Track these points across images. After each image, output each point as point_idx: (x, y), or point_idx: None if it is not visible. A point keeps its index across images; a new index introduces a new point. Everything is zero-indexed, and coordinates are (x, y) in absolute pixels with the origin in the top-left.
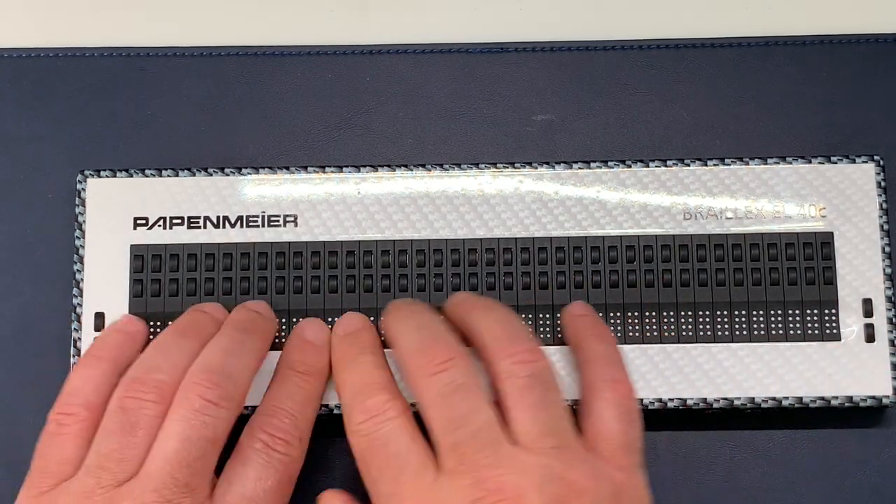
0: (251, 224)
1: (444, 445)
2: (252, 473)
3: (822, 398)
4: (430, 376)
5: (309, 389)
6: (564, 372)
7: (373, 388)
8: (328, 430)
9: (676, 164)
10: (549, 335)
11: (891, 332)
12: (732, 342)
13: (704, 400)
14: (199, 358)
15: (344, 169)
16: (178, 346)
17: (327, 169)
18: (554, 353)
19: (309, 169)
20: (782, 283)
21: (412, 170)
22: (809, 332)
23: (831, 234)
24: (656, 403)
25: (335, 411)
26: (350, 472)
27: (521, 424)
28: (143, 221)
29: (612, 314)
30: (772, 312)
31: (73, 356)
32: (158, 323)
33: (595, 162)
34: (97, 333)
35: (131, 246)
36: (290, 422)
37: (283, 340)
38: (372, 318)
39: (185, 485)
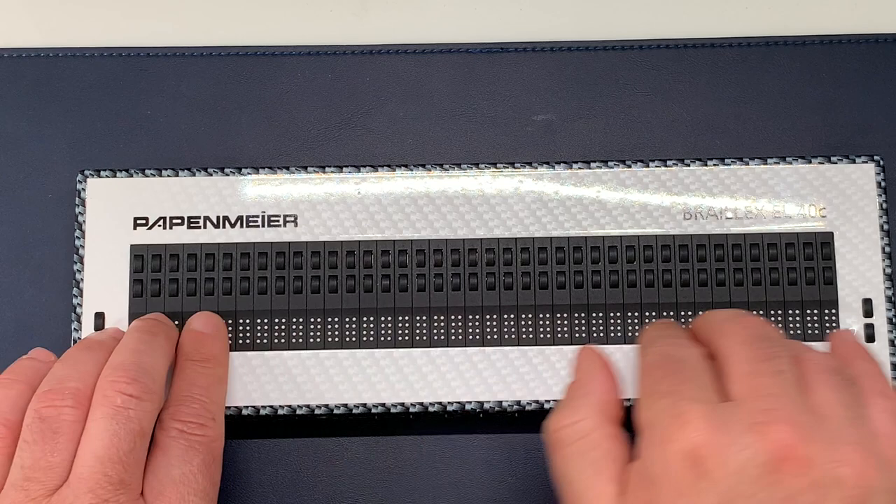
0: (251, 224)
1: (740, 373)
2: (176, 459)
3: None
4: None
5: (210, 374)
6: (565, 372)
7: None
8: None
9: (676, 164)
10: (549, 335)
11: (891, 332)
12: None
13: None
14: (110, 360)
15: (344, 169)
16: (85, 356)
17: (327, 169)
18: (554, 354)
19: (309, 169)
20: (782, 283)
21: (412, 170)
22: (809, 332)
23: (831, 234)
24: None
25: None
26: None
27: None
28: (143, 221)
29: (612, 314)
30: (772, 312)
31: None
32: None
33: (595, 162)
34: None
35: (131, 246)
36: (200, 405)
37: (282, 341)
38: (372, 319)
39: (120, 481)
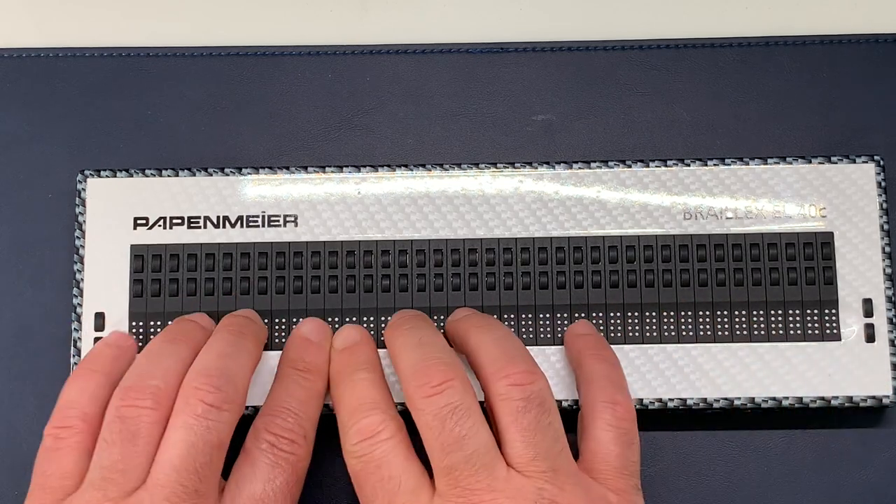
0: (251, 224)
1: (439, 468)
2: (260, 474)
3: (822, 398)
4: (427, 398)
5: (310, 387)
6: (565, 372)
7: (367, 408)
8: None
9: (676, 164)
10: (549, 335)
11: (891, 332)
12: (732, 342)
13: (704, 400)
14: (195, 363)
15: (344, 169)
16: (168, 352)
17: (327, 169)
18: (554, 353)
19: (309, 169)
20: (782, 283)
21: (412, 170)
22: (809, 332)
23: (831, 234)
24: (656, 403)
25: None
26: None
27: (515, 447)
28: (143, 221)
29: (612, 314)
30: (772, 312)
31: (74, 356)
32: (158, 323)
33: (595, 162)
34: (97, 333)
35: (131, 246)
36: (294, 420)
37: (283, 341)
38: (372, 319)
39: (195, 491)
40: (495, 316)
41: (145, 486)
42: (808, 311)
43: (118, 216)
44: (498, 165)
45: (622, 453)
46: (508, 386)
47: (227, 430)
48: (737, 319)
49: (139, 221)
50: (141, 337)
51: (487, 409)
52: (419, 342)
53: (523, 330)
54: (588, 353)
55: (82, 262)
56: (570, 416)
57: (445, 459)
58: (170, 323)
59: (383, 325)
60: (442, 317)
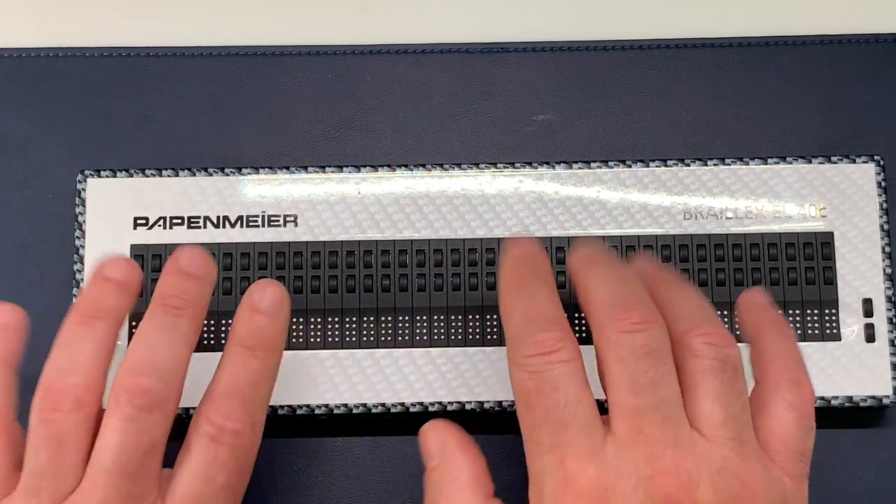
0: (251, 224)
1: (623, 408)
2: (200, 472)
3: (822, 398)
4: (624, 332)
5: (260, 367)
6: None
7: (548, 322)
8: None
9: (676, 164)
10: None
11: (891, 332)
12: None
13: None
14: (125, 358)
15: (344, 169)
16: (84, 337)
17: (327, 169)
18: None
19: (309, 169)
20: (782, 283)
21: (412, 170)
22: (809, 332)
23: (831, 234)
24: None
25: (316, 412)
26: (341, 471)
27: (704, 407)
28: (143, 221)
29: None
30: None
31: None
32: None
33: (595, 162)
34: None
35: (131, 246)
36: (239, 406)
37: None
38: (372, 319)
39: (128, 494)
40: (495, 316)
41: (79, 491)
42: (808, 311)
43: (118, 216)
44: (498, 165)
45: (802, 438)
46: (705, 344)
47: (161, 430)
48: (737, 319)
49: (139, 221)
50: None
51: (675, 366)
52: (620, 278)
53: None
54: (769, 326)
55: (82, 262)
56: None
57: (633, 400)
58: (86, 284)
59: (383, 325)
60: (442, 317)
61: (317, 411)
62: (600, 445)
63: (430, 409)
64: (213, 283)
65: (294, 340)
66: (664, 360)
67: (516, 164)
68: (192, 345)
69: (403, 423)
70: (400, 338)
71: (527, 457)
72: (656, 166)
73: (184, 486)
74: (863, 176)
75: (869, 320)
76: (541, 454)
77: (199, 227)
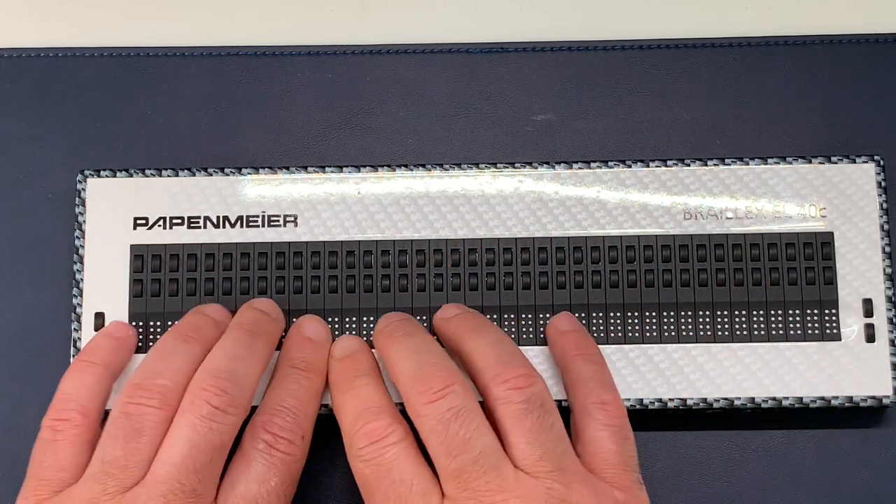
0: (251, 224)
1: (446, 472)
2: (255, 474)
3: (822, 398)
4: (429, 404)
5: (309, 386)
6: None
7: (373, 412)
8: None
9: (676, 164)
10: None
11: (891, 332)
12: (732, 342)
13: (704, 400)
14: (205, 362)
15: (344, 169)
16: (179, 350)
17: (327, 169)
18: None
19: (309, 169)
20: (782, 283)
21: (412, 170)
22: (809, 332)
23: (831, 234)
24: (656, 403)
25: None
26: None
27: (521, 449)
28: (143, 221)
29: (612, 314)
30: (772, 312)
31: (73, 356)
32: (158, 323)
33: (595, 162)
34: (97, 334)
35: (131, 246)
36: (292, 420)
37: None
38: (372, 319)
39: (192, 490)
40: (495, 316)
41: (144, 482)
42: (808, 311)
43: (118, 216)
44: (498, 165)
45: (620, 450)
46: (508, 390)
47: (230, 433)
48: (737, 319)
49: (139, 221)
50: (140, 337)
51: (488, 414)
52: (415, 349)
53: (523, 330)
54: (573, 353)
55: (82, 262)
56: (566, 418)
57: (453, 463)
58: (185, 314)
59: None
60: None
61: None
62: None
63: None
64: (282, 329)
65: None
66: (472, 415)
67: (516, 164)
68: (265, 366)
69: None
70: None
71: None
72: (656, 166)
73: (241, 487)
74: (863, 176)
75: (869, 320)
76: None
77: (199, 227)
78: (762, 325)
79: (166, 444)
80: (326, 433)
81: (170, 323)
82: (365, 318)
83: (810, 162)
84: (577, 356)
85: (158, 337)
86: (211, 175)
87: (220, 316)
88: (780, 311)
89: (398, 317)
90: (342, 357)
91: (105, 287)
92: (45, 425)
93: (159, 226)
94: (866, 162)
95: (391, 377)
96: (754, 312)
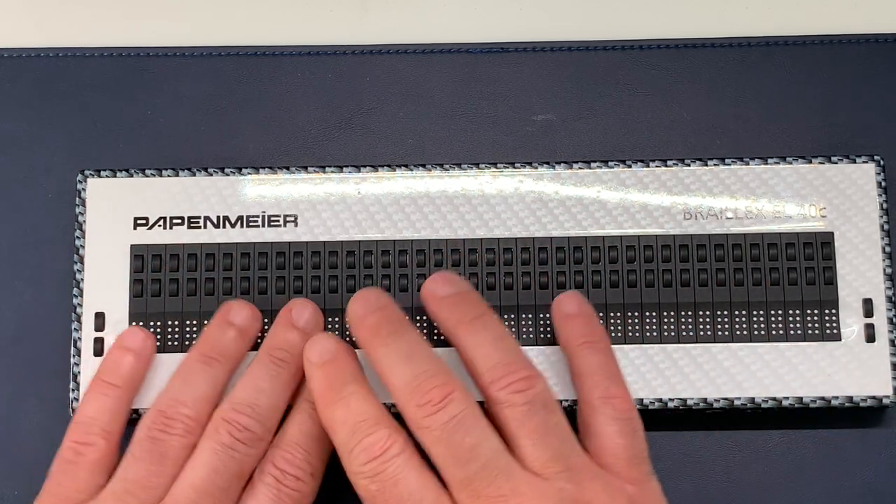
0: (251, 224)
1: (455, 481)
2: None
3: (822, 398)
4: (429, 416)
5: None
6: (566, 372)
7: (369, 425)
8: None
9: (676, 164)
10: (549, 335)
11: (891, 332)
12: (732, 342)
13: (704, 400)
14: (233, 393)
15: (344, 169)
16: (203, 376)
17: (327, 169)
18: (554, 353)
19: (309, 169)
20: (782, 283)
21: (412, 170)
22: (809, 332)
23: (831, 234)
24: (656, 403)
25: None
26: None
27: (528, 451)
28: (143, 221)
29: (612, 314)
30: (772, 312)
31: (74, 356)
32: (158, 323)
33: (595, 162)
34: (97, 333)
35: (131, 246)
36: (303, 457)
37: None
38: None
39: None
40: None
41: (164, 503)
42: (808, 311)
43: (118, 216)
44: (498, 165)
45: (629, 443)
46: (510, 393)
47: (251, 463)
48: (737, 319)
49: (139, 221)
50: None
51: (489, 415)
52: (406, 355)
53: (523, 330)
54: (578, 341)
55: (82, 262)
56: (571, 416)
57: (461, 472)
58: (210, 323)
59: None
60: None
61: None
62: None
63: None
64: None
65: None
66: (475, 421)
67: (516, 164)
68: (290, 394)
69: (402, 422)
70: None
71: None
72: (656, 166)
73: None
74: (863, 176)
75: (869, 320)
76: None
77: (199, 227)
78: (762, 325)
79: (188, 468)
80: None
81: (170, 323)
82: None
83: (810, 162)
84: (583, 345)
85: (158, 337)
86: (211, 175)
87: (246, 321)
88: (780, 311)
89: (376, 301)
90: (323, 363)
91: (105, 287)
92: (66, 446)
93: (159, 226)
94: (866, 162)
95: (383, 382)
96: (754, 312)
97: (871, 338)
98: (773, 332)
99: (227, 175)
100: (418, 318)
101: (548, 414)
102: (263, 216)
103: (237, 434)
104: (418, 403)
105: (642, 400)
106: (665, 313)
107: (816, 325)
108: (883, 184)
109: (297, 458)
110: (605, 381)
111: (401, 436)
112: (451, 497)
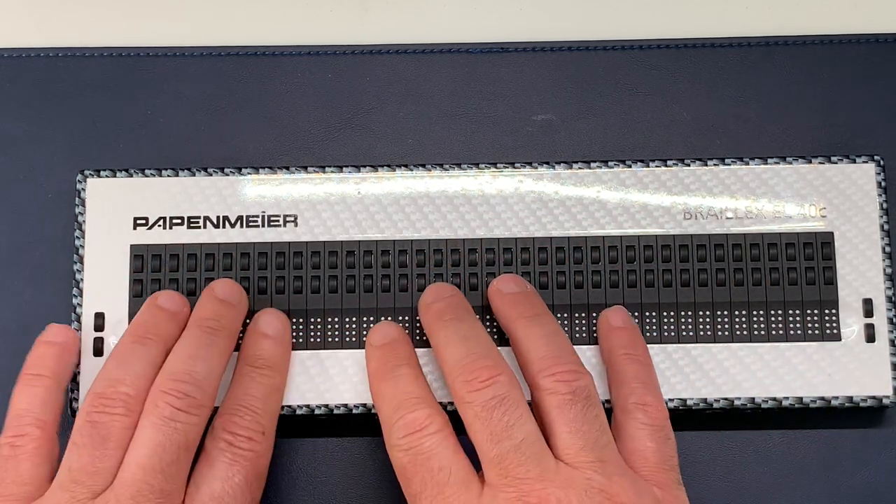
0: (251, 224)
1: (487, 458)
2: (219, 473)
3: (822, 398)
4: (473, 391)
5: (267, 383)
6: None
7: (413, 402)
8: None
9: (676, 164)
10: None
11: (891, 332)
12: (732, 342)
13: (704, 400)
14: (166, 364)
15: (344, 169)
16: (137, 354)
17: (327, 169)
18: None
19: (309, 169)
20: (782, 283)
21: (412, 170)
22: (809, 332)
23: (831, 234)
24: None
25: (316, 412)
26: (345, 472)
27: (563, 438)
28: (143, 221)
29: None
30: (772, 312)
31: None
32: None
33: (595, 162)
34: (97, 334)
35: (131, 246)
36: (252, 418)
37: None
38: (372, 319)
39: (160, 490)
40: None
41: (112, 487)
42: (808, 311)
43: (118, 216)
44: (498, 165)
45: (659, 448)
46: (555, 381)
47: (195, 432)
48: (737, 319)
49: (139, 221)
50: None
51: (533, 405)
52: (463, 336)
53: None
54: (620, 352)
55: (82, 262)
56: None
57: (494, 449)
58: (140, 309)
59: None
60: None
61: (317, 411)
62: (477, 497)
63: None
64: (245, 313)
65: (294, 341)
66: (515, 404)
67: (516, 164)
68: (226, 362)
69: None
70: None
71: None
72: (656, 166)
73: (206, 486)
74: (863, 176)
75: (869, 320)
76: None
77: (199, 227)
78: (762, 325)
79: (132, 447)
80: (335, 432)
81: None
82: (365, 318)
83: (810, 162)
84: (624, 356)
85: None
86: (211, 175)
87: (176, 306)
88: (780, 311)
89: (448, 292)
90: (381, 345)
91: (105, 287)
92: (2, 443)
93: (159, 226)
94: (866, 162)
95: (437, 360)
96: (754, 312)
97: (871, 338)
98: (773, 332)
99: (227, 175)
100: (418, 317)
101: (589, 406)
102: (263, 216)
103: (177, 403)
104: (466, 379)
105: None
106: (665, 313)
107: (816, 325)
108: (883, 184)
109: (247, 420)
110: (640, 388)
111: (441, 416)
112: (481, 477)
